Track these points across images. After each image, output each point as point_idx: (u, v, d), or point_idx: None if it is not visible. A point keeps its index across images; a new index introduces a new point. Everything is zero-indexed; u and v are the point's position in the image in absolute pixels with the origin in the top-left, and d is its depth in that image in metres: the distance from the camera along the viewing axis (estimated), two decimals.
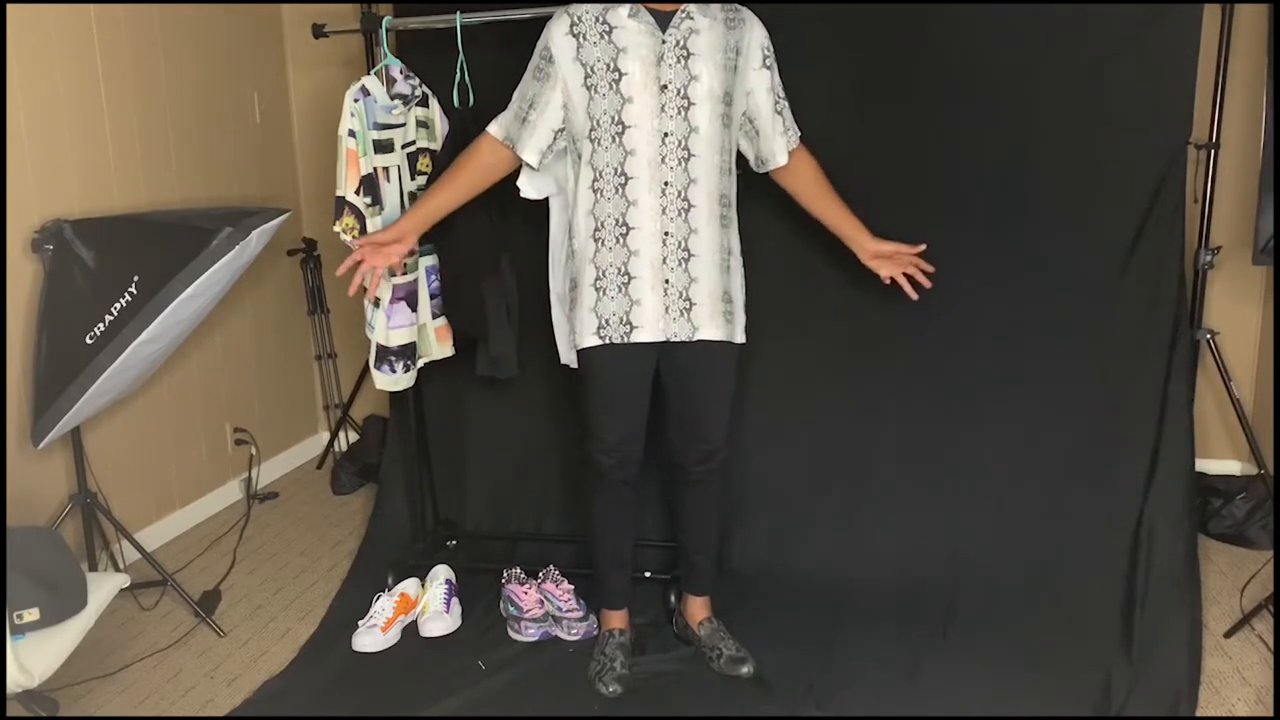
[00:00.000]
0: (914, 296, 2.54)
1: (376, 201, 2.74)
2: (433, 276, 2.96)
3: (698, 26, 2.29)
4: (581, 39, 2.30)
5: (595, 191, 2.35)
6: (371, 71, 2.81)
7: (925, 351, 2.95)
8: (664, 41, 2.28)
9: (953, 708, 2.40)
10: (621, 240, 2.34)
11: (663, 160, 2.30)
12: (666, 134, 2.30)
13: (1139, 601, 2.68)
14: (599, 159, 2.33)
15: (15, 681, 2.19)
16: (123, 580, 2.59)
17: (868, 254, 2.55)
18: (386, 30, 2.82)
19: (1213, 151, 3.02)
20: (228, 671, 2.71)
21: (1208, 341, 3.18)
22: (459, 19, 2.78)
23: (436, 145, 2.95)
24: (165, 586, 3.04)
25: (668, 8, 2.29)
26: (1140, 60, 2.73)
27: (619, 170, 2.32)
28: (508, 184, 2.61)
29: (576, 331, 2.44)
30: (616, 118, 2.30)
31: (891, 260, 2.54)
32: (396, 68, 2.80)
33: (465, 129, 2.83)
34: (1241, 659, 2.60)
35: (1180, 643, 2.57)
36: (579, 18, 2.31)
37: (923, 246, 2.54)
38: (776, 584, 2.96)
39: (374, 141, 2.73)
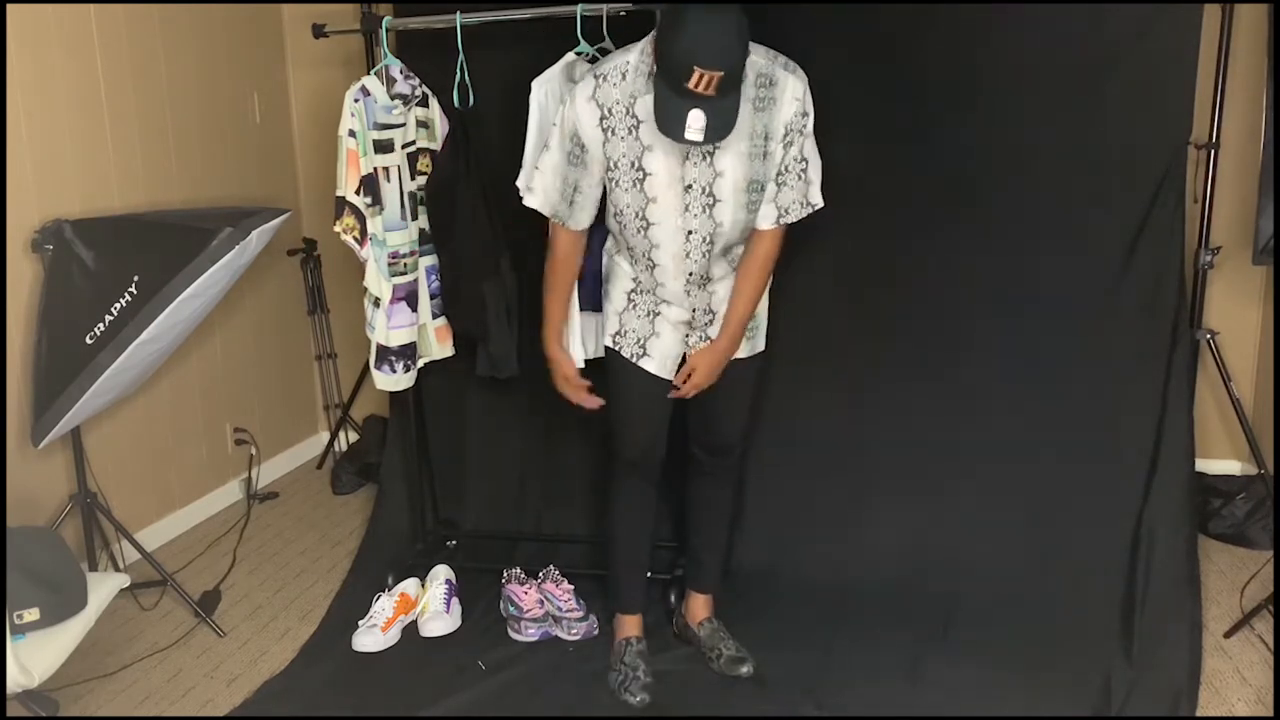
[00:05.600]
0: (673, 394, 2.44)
1: (377, 201, 2.74)
2: (433, 276, 2.96)
3: None
4: (610, 133, 2.22)
5: (631, 262, 2.39)
6: (371, 71, 2.81)
7: (925, 352, 2.95)
8: None
9: (953, 708, 2.40)
10: (653, 293, 2.39)
11: (687, 255, 2.29)
12: (690, 232, 2.26)
13: (1139, 601, 2.68)
14: (626, 239, 2.35)
15: (15, 681, 2.19)
16: (123, 580, 2.60)
17: (704, 349, 2.39)
18: (386, 30, 2.82)
19: (1213, 151, 3.02)
20: (228, 671, 2.71)
21: (1208, 341, 3.18)
22: (459, 19, 2.78)
23: (436, 145, 2.95)
24: (165, 586, 3.04)
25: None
26: (1140, 60, 2.74)
27: (646, 255, 2.33)
28: (508, 185, 2.61)
29: (602, 323, 2.48)
30: (641, 213, 2.27)
31: (691, 371, 2.40)
32: (396, 68, 2.80)
33: (465, 129, 2.84)
34: (1241, 659, 2.60)
35: (1180, 643, 2.58)
36: (609, 110, 2.21)
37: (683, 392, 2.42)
38: (776, 584, 2.96)
39: (374, 141, 2.73)
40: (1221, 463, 3.53)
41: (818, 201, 2.34)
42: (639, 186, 2.24)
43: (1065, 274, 2.86)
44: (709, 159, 2.20)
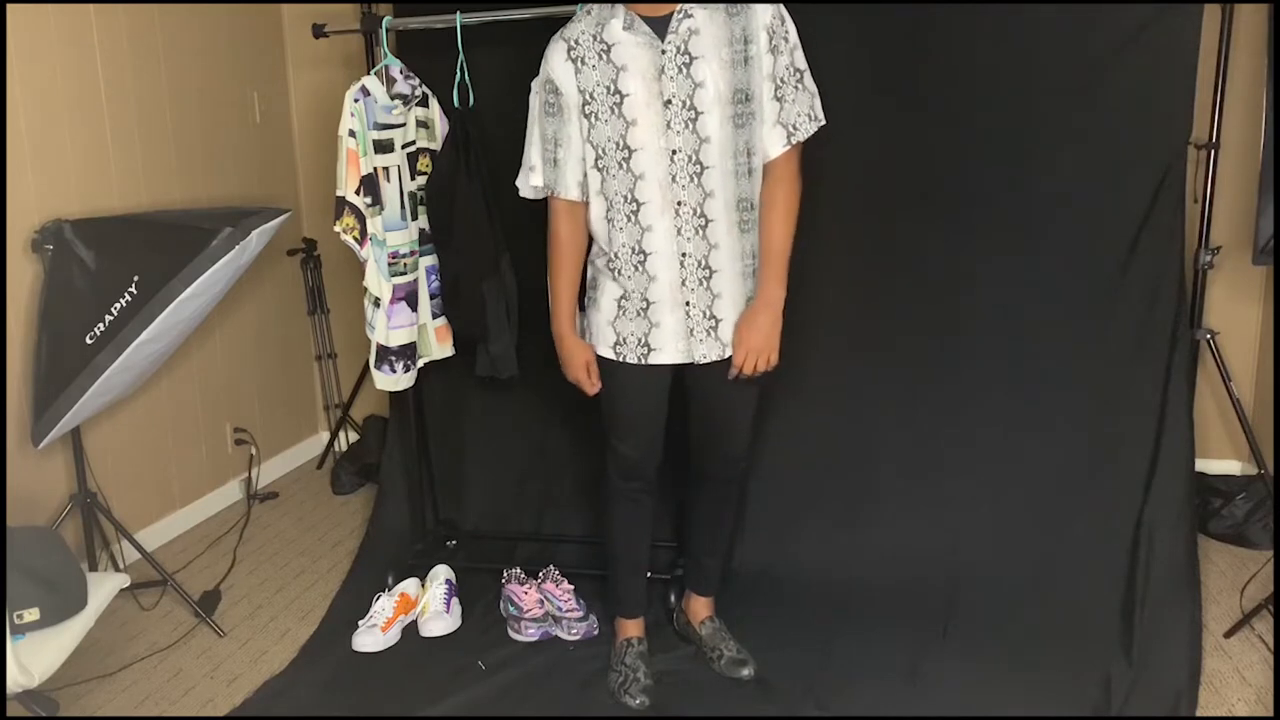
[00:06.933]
0: (732, 374, 2.33)
1: (376, 201, 2.74)
2: (433, 276, 2.96)
3: (697, 24, 2.15)
4: (580, 63, 2.21)
5: (609, 222, 2.27)
6: (371, 71, 2.81)
7: (925, 351, 2.95)
8: (664, 51, 2.15)
9: (953, 708, 2.40)
10: (640, 267, 2.27)
11: (673, 179, 2.19)
12: (675, 151, 2.18)
13: (1139, 601, 2.68)
14: (608, 188, 2.25)
15: (15, 681, 2.19)
16: (123, 580, 2.60)
17: (749, 311, 2.31)
18: (386, 30, 2.82)
19: (1213, 151, 3.02)
20: (228, 671, 2.71)
21: (1208, 341, 3.18)
22: (459, 19, 2.78)
23: (436, 145, 2.95)
24: (165, 586, 3.04)
25: (663, 9, 2.16)
26: (1140, 60, 2.73)
27: (629, 197, 2.22)
28: (508, 185, 2.61)
29: (592, 333, 2.39)
30: (621, 143, 2.20)
31: (742, 340, 2.31)
32: (396, 68, 2.80)
33: (465, 129, 2.84)
34: (1241, 659, 2.60)
35: (1180, 643, 2.57)
36: (575, 40, 2.22)
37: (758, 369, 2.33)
38: (776, 584, 2.96)
39: (374, 141, 2.73)
40: (1221, 463, 3.53)
41: (822, 116, 2.29)
42: (617, 112, 2.19)
43: (1065, 274, 2.85)
44: (685, 71, 2.16)
